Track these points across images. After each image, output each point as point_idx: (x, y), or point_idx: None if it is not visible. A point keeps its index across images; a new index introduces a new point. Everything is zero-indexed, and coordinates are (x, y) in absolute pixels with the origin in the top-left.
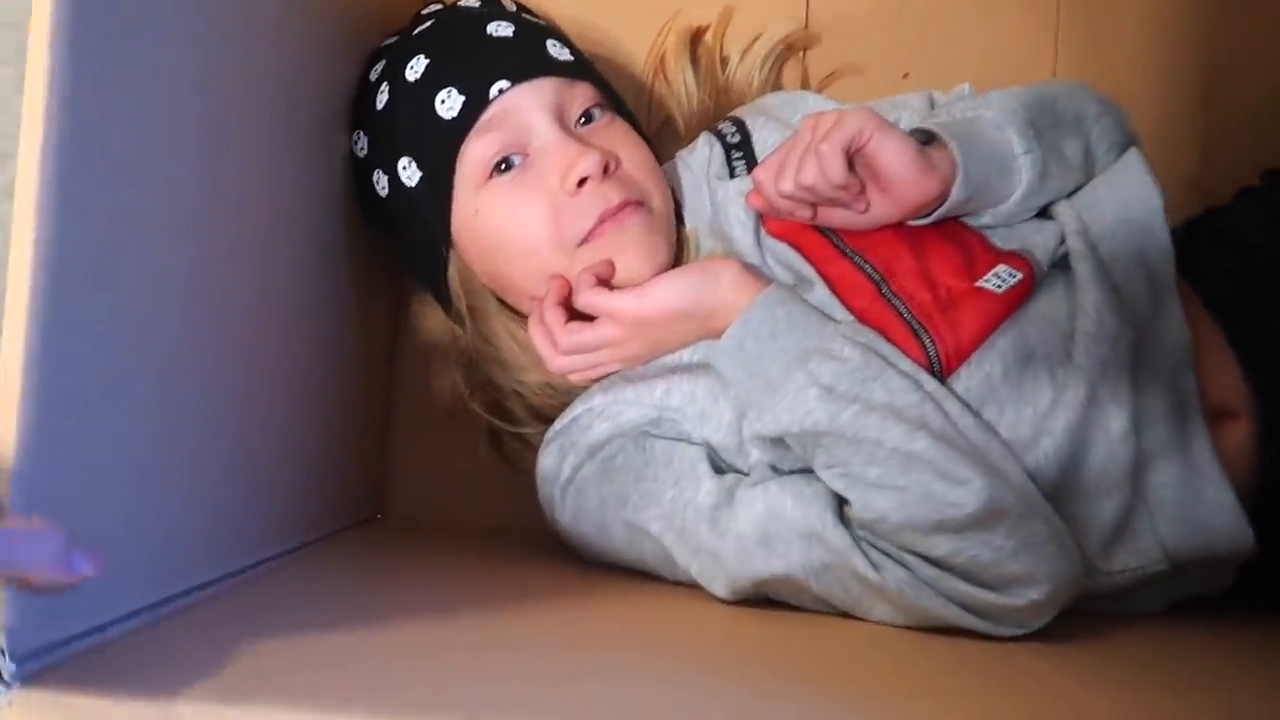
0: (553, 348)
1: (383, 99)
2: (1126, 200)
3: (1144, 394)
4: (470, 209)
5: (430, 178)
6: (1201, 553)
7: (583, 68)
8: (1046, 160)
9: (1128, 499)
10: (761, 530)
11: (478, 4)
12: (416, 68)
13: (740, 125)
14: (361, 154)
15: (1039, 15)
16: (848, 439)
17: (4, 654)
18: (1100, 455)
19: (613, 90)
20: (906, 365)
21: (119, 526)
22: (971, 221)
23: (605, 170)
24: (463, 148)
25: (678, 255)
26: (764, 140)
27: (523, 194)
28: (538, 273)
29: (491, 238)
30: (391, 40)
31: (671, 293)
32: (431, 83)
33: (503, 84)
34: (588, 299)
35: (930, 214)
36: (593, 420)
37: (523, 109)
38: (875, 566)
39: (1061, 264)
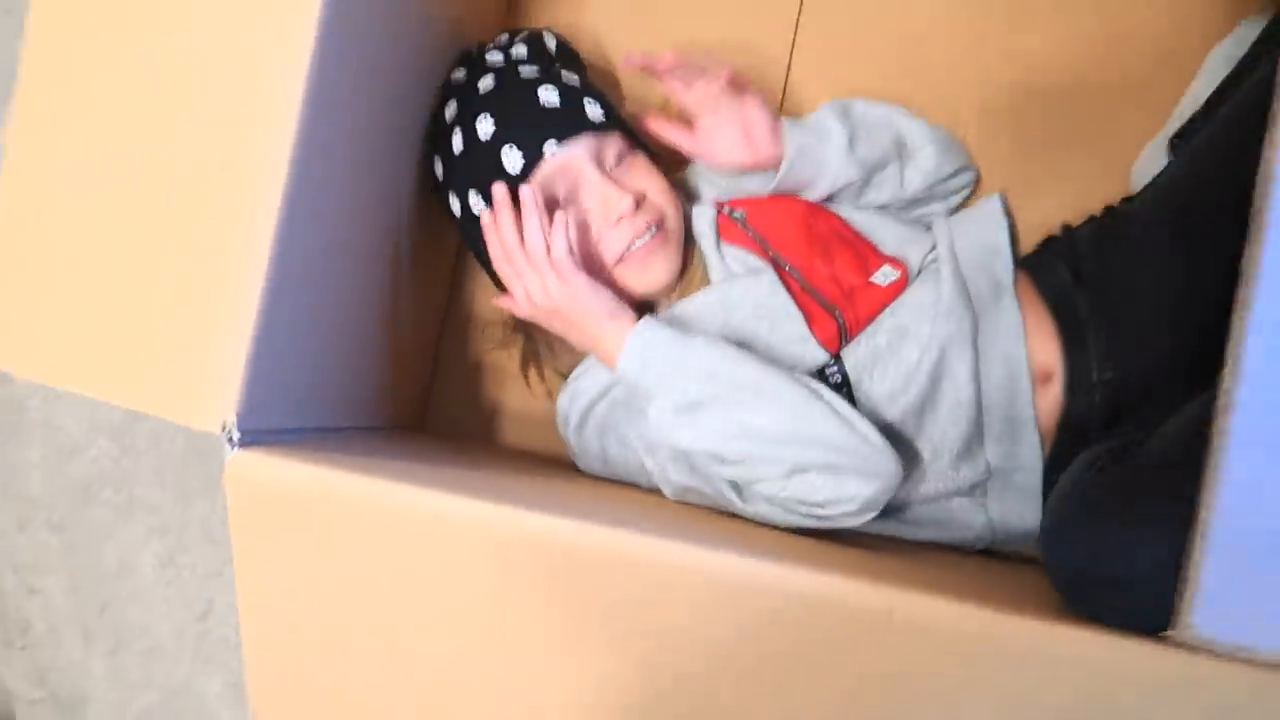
0: (515, 234)
1: (458, 143)
2: (983, 228)
3: (983, 356)
4: None
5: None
6: (1010, 465)
7: (611, 121)
8: (854, 135)
9: (970, 429)
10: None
11: (535, 70)
12: (485, 127)
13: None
14: (439, 175)
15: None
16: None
17: (235, 427)
18: (950, 395)
19: (633, 132)
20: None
21: (304, 385)
22: (855, 214)
23: (636, 206)
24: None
25: (686, 258)
26: (703, 187)
27: (580, 227)
28: None
29: None
30: (460, 78)
31: (593, 295)
32: (498, 140)
33: (552, 145)
34: (559, 245)
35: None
36: (586, 376)
37: (568, 162)
38: (744, 501)
39: (932, 268)
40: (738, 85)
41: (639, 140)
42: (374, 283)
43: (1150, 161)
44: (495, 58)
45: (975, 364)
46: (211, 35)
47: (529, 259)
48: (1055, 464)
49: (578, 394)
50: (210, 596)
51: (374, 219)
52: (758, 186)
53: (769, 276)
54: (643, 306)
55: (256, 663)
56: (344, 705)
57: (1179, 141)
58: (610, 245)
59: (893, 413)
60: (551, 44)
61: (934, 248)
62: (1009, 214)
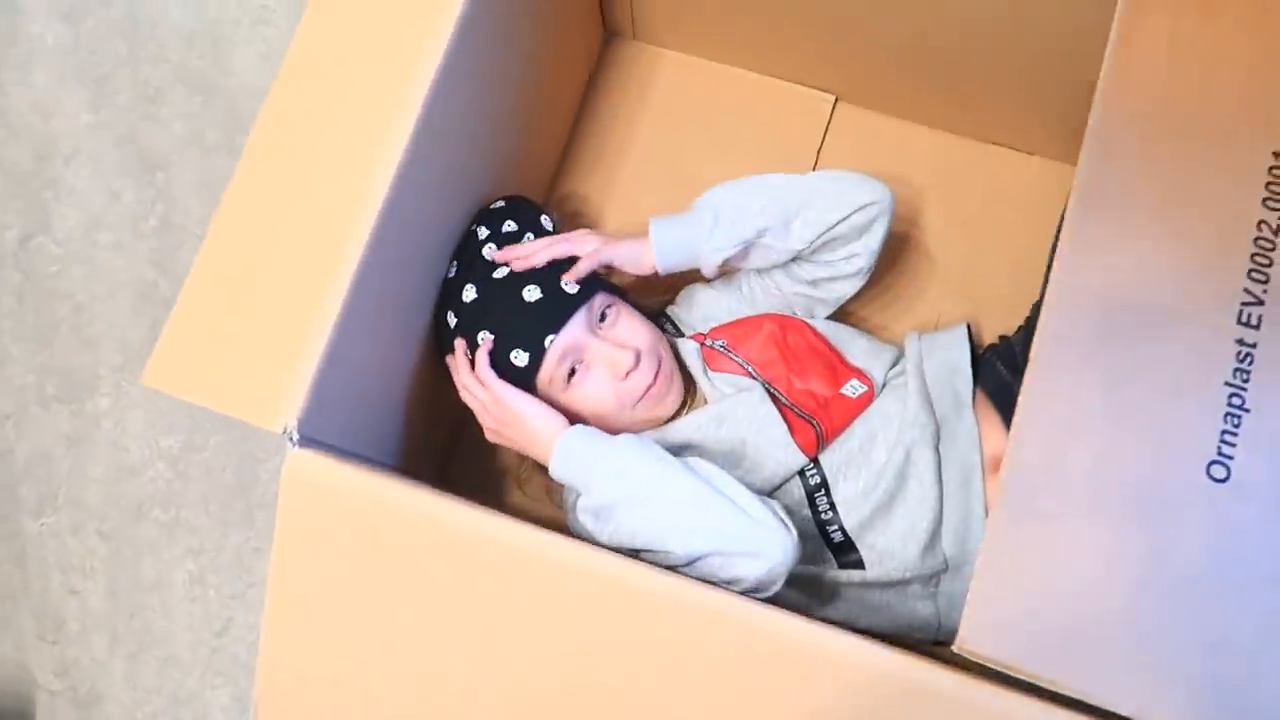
0: (468, 370)
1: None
2: (948, 350)
3: (945, 459)
4: (560, 405)
5: None
6: (961, 559)
7: (590, 288)
8: (720, 212)
9: (934, 522)
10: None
11: (506, 272)
12: (486, 339)
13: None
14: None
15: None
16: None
17: (295, 430)
18: (916, 491)
19: (610, 284)
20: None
21: (353, 412)
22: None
23: (637, 359)
24: (537, 379)
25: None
26: (682, 316)
27: (594, 388)
28: (624, 423)
29: (589, 412)
30: (452, 276)
31: (520, 400)
32: (503, 347)
33: (550, 337)
34: (481, 363)
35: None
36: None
37: (569, 340)
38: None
39: (899, 381)
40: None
41: (617, 290)
42: (418, 340)
43: None
44: (457, 269)
45: (937, 466)
46: (344, 133)
47: (470, 389)
48: None
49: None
50: (230, 616)
51: (421, 297)
52: (722, 311)
53: (759, 391)
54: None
55: (271, 650)
56: (348, 699)
57: None
58: (626, 395)
59: (866, 508)
60: (510, 228)
61: (897, 362)
62: (973, 340)
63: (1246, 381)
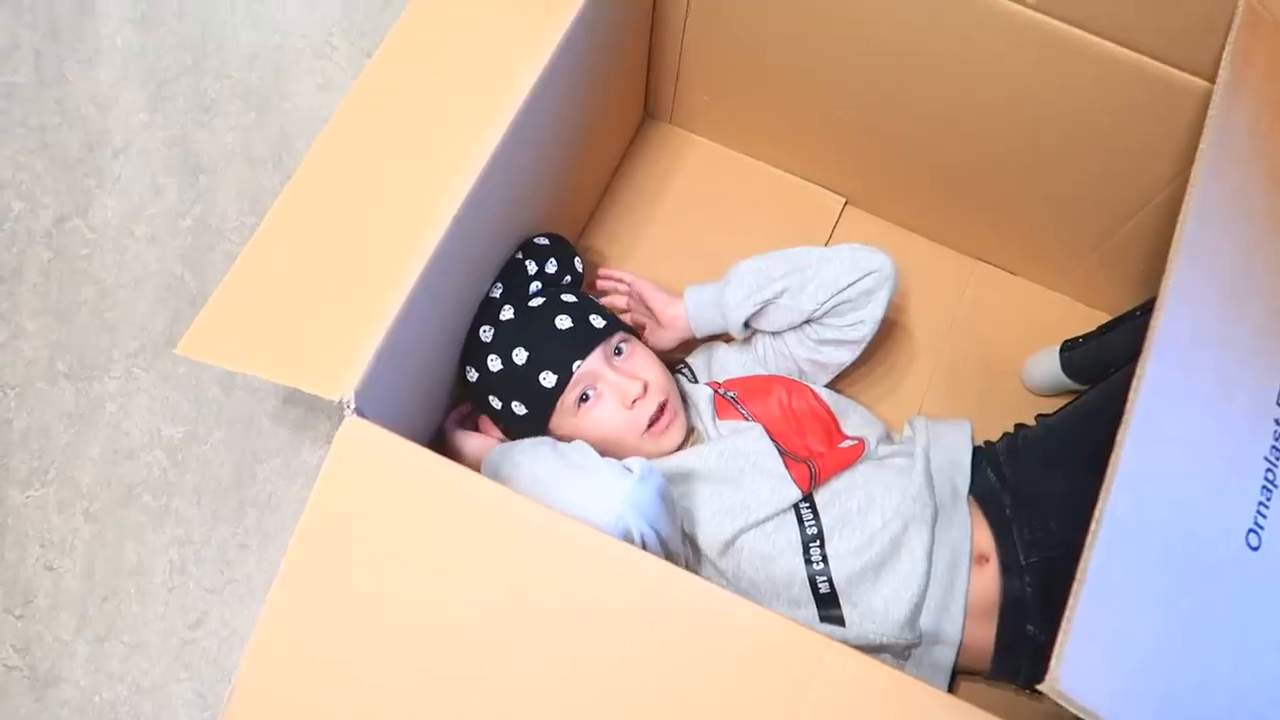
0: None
1: (495, 364)
2: (953, 443)
3: (937, 541)
4: (569, 427)
5: (533, 415)
6: (934, 637)
7: (610, 326)
8: (742, 276)
9: (919, 597)
10: None
11: (542, 299)
12: (520, 356)
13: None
14: (474, 381)
15: None
16: None
17: (352, 399)
18: (907, 563)
19: (628, 326)
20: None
21: (402, 393)
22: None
23: (645, 390)
24: (559, 401)
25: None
26: (699, 367)
27: (603, 413)
28: (629, 449)
29: (598, 434)
30: (495, 299)
31: (457, 440)
32: (534, 366)
33: (578, 362)
34: (450, 429)
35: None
36: None
37: (590, 369)
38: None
39: (904, 459)
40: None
41: (631, 330)
42: (462, 340)
43: (1038, 363)
44: (497, 293)
45: (930, 545)
46: (415, 161)
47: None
48: (1002, 632)
49: None
50: (206, 609)
51: (464, 308)
52: (736, 366)
53: (759, 429)
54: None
55: (275, 610)
56: (350, 662)
57: (1067, 351)
58: (632, 423)
59: (856, 564)
60: (553, 267)
61: (889, 438)
62: (973, 438)
63: (1278, 460)
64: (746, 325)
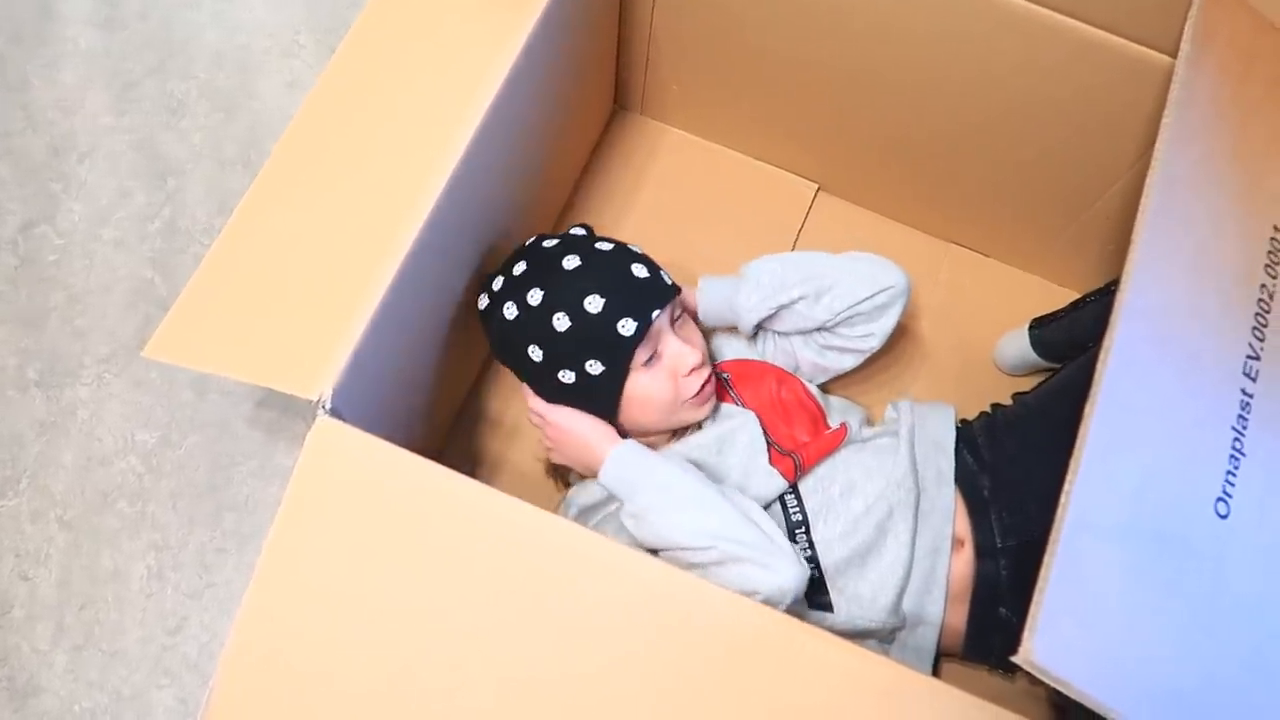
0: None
1: (562, 322)
2: (938, 428)
3: (920, 525)
4: (632, 385)
5: (611, 370)
6: (917, 619)
7: (675, 286)
8: (760, 277)
9: (902, 581)
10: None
11: (610, 246)
12: (595, 303)
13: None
14: (538, 360)
15: None
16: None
17: (329, 398)
18: (892, 550)
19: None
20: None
21: (377, 394)
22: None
23: (702, 359)
24: (636, 351)
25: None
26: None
27: (662, 376)
28: (658, 419)
29: (640, 400)
30: (524, 271)
31: (578, 419)
32: (613, 313)
33: (656, 310)
34: (528, 397)
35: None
36: (584, 490)
37: (660, 326)
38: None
39: (890, 442)
40: None
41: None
42: (439, 338)
43: (1010, 341)
44: (554, 243)
45: (914, 530)
46: (385, 160)
47: (538, 414)
48: (974, 615)
49: (572, 501)
50: (186, 614)
51: (438, 312)
52: (733, 353)
53: (752, 419)
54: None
55: (251, 613)
56: (327, 664)
57: (1036, 329)
58: (685, 389)
59: (843, 551)
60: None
61: (865, 421)
62: (957, 421)
63: (1245, 429)
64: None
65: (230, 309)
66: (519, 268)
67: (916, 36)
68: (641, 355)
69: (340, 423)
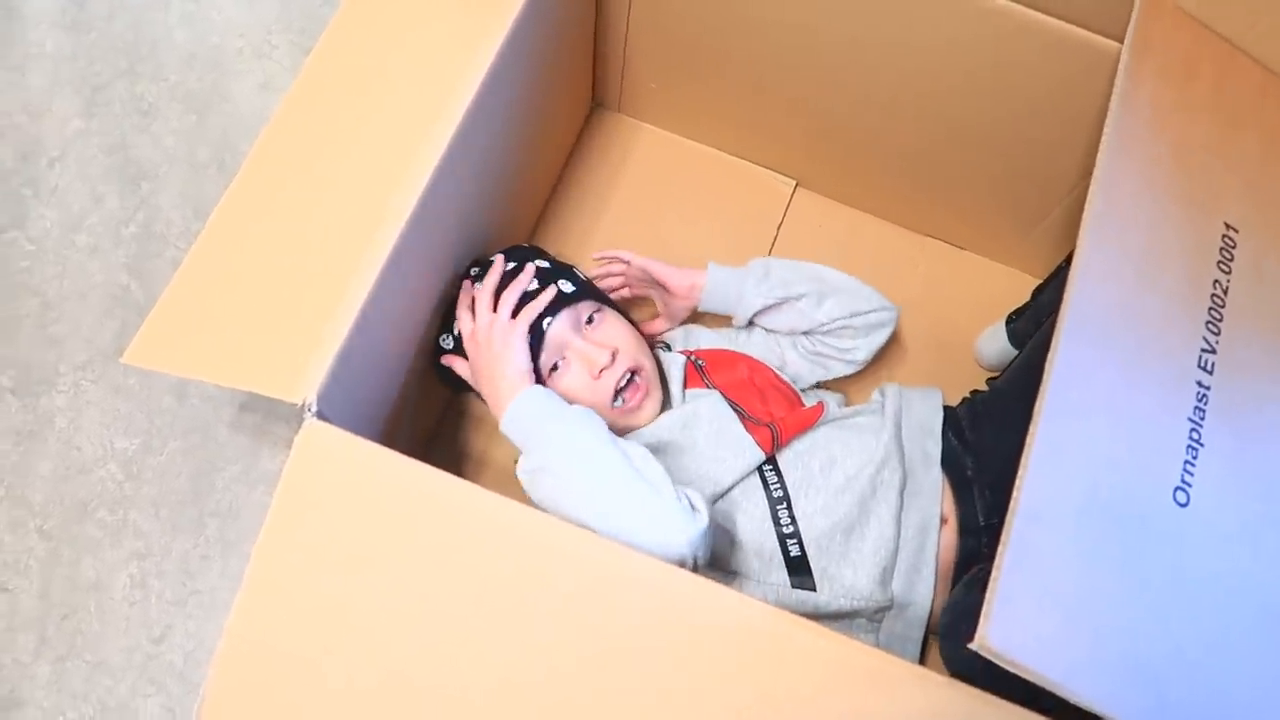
0: (491, 291)
1: (466, 329)
2: (925, 410)
3: (906, 506)
4: (555, 388)
5: None
6: (907, 599)
7: (581, 291)
8: (769, 271)
9: (888, 561)
10: None
11: (514, 265)
12: (529, 271)
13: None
14: (448, 346)
15: None
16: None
17: (314, 402)
18: (875, 530)
19: (602, 294)
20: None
21: (362, 395)
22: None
23: (612, 359)
24: (539, 362)
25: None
26: (677, 341)
27: (570, 383)
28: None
29: (571, 401)
30: (462, 287)
31: (516, 342)
32: None
33: (548, 319)
34: (510, 293)
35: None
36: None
37: (559, 336)
38: None
39: (864, 421)
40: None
41: (606, 299)
42: (421, 338)
43: (989, 339)
44: (476, 270)
45: (899, 509)
46: (364, 161)
47: (491, 305)
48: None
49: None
50: (170, 623)
51: (420, 311)
52: (709, 340)
53: (716, 395)
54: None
55: (243, 616)
56: (318, 666)
57: (1012, 322)
58: (599, 392)
59: (824, 525)
60: (526, 246)
61: (843, 401)
62: (944, 405)
63: (1203, 420)
64: (750, 322)
65: (210, 313)
66: (472, 270)
67: (891, 34)
68: (546, 361)
69: (328, 425)
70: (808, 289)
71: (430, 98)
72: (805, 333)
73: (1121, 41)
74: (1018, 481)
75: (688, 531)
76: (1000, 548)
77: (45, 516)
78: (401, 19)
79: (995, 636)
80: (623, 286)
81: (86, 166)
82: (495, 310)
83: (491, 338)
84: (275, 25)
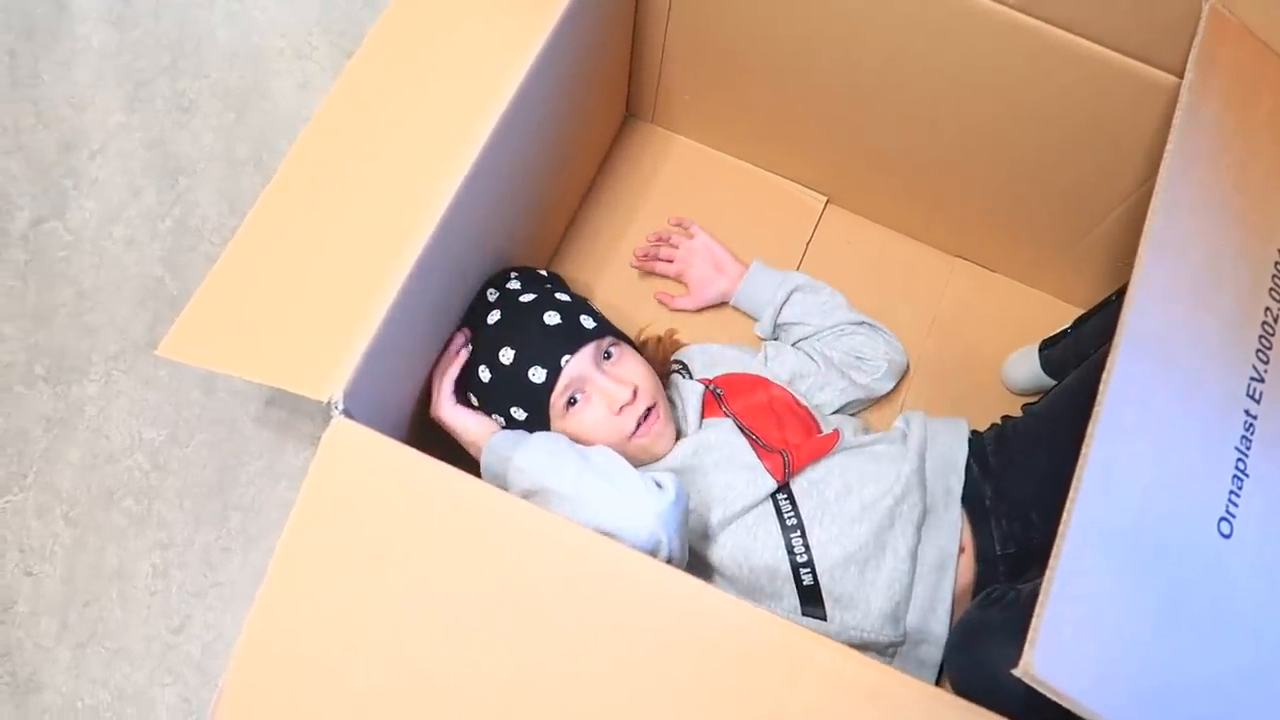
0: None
1: (485, 374)
2: (950, 445)
3: (924, 541)
4: (568, 425)
5: (533, 417)
6: (920, 636)
7: (601, 328)
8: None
9: (902, 595)
10: None
11: (533, 296)
12: (507, 355)
13: (683, 364)
14: (478, 405)
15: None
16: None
17: (341, 400)
18: (891, 563)
19: (618, 330)
20: None
21: (386, 397)
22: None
23: (634, 396)
24: (551, 399)
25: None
26: (695, 365)
27: (589, 417)
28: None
29: (585, 439)
30: (472, 320)
31: (456, 418)
32: (522, 364)
33: (565, 356)
34: (443, 402)
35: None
36: None
37: (578, 367)
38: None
39: (882, 449)
40: (686, 231)
41: (625, 337)
42: (444, 340)
43: (1018, 363)
44: (493, 295)
45: (915, 545)
46: (398, 166)
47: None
48: None
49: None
50: (189, 613)
51: (445, 314)
52: (729, 361)
53: (729, 422)
54: None
55: (264, 610)
56: (338, 660)
57: (1046, 349)
58: (620, 427)
59: (838, 554)
60: (543, 274)
61: (861, 428)
62: (969, 440)
63: (1249, 449)
64: (775, 330)
65: (243, 310)
66: (490, 293)
67: (930, 57)
68: (561, 398)
69: (355, 423)
70: (830, 291)
71: (467, 103)
72: (828, 334)
73: (1167, 69)
74: (1068, 504)
75: (653, 505)
76: (1048, 573)
77: (72, 504)
78: (443, 24)
79: (1041, 664)
80: (671, 261)
81: (127, 160)
82: (439, 390)
83: (440, 419)
84: (316, 26)
